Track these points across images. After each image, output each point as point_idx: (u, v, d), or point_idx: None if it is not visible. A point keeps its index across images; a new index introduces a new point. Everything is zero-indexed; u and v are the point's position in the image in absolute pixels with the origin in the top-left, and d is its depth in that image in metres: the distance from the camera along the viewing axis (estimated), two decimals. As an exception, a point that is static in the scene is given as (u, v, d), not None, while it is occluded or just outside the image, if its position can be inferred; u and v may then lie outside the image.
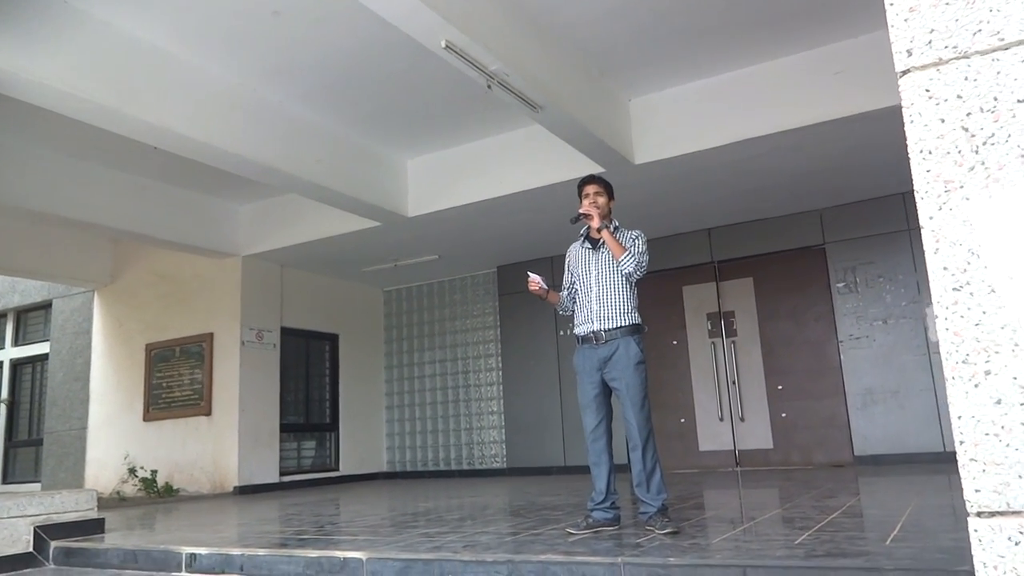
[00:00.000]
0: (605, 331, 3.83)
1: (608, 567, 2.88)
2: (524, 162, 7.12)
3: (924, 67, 1.20)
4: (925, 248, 1.20)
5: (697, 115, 6.38)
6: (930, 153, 1.19)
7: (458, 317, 10.48)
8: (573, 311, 4.09)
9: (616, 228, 3.99)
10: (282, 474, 9.15)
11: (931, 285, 1.20)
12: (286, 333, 9.52)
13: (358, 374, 10.55)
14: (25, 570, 4.26)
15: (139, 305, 9.84)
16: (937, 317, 1.18)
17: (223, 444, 8.71)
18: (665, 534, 3.46)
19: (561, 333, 9.46)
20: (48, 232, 9.06)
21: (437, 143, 7.48)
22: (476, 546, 3.44)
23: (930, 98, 1.20)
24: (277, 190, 8.06)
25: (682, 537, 3.39)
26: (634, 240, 3.94)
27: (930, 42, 1.20)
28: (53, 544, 4.43)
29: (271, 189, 8.06)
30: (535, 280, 4.00)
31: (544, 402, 9.51)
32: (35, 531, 4.43)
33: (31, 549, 4.39)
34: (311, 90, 6.27)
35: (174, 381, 9.23)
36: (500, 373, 9.97)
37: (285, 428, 9.35)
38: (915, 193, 1.21)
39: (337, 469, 10.05)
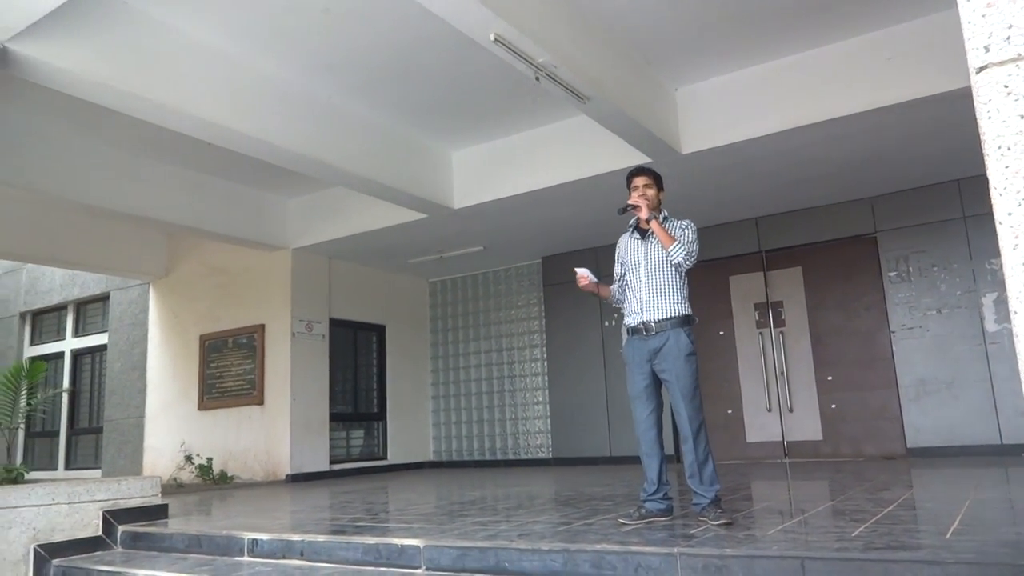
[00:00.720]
0: (655, 322, 3.84)
1: (664, 557, 2.91)
2: (570, 153, 7.12)
3: (1003, 63, 1.20)
4: (1002, 244, 1.20)
5: (745, 103, 6.31)
6: (1008, 149, 1.19)
7: (503, 308, 10.54)
8: (623, 302, 4.10)
9: (665, 218, 3.99)
10: (332, 462, 9.34)
11: (1008, 280, 1.20)
12: (334, 324, 9.69)
13: (405, 364, 10.70)
14: (95, 552, 4.44)
15: (193, 297, 10.11)
16: (1015, 313, 1.18)
17: (275, 433, 8.92)
18: (719, 525, 3.46)
19: (606, 323, 9.46)
20: (105, 227, 9.36)
21: (483, 135, 7.53)
22: (531, 535, 3.49)
23: (1008, 94, 1.19)
24: (325, 183, 8.20)
25: (736, 528, 3.40)
26: (683, 230, 3.93)
27: (1008, 38, 1.20)
28: (121, 528, 4.60)
29: (319, 182, 8.20)
30: (583, 275, 4.01)
31: (589, 392, 9.53)
32: (104, 516, 4.61)
33: (100, 533, 4.57)
34: (359, 84, 6.35)
35: (227, 371, 9.47)
36: (545, 363, 10.02)
37: (334, 417, 9.53)
38: (991, 189, 1.21)
39: (385, 458, 10.21)
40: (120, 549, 4.54)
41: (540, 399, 10.02)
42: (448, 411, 10.83)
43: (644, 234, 3.99)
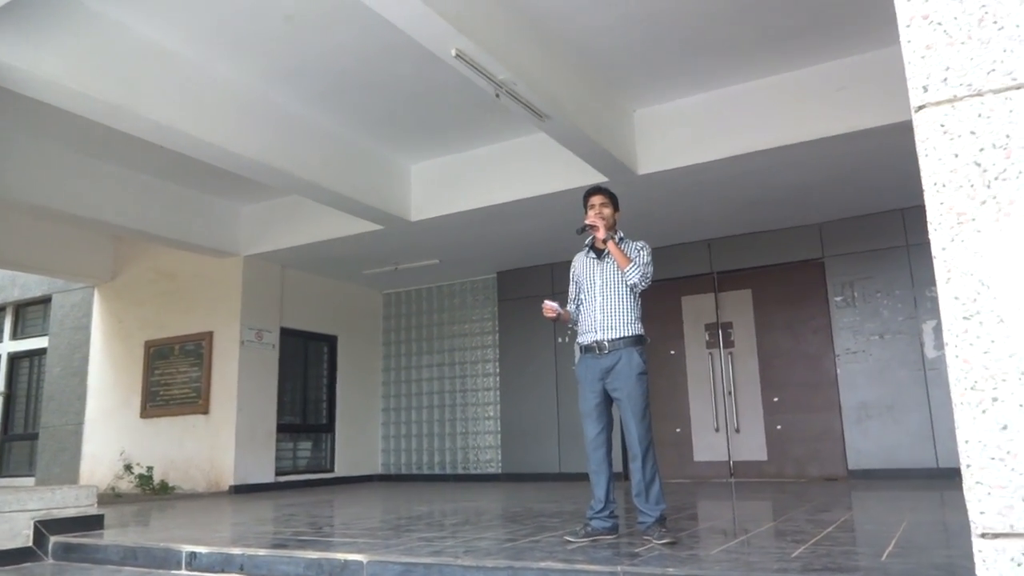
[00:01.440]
0: (608, 341, 3.87)
1: (608, 576, 2.92)
2: (527, 169, 7.17)
3: (939, 103, 1.25)
4: (936, 277, 1.24)
5: (701, 127, 6.43)
6: (944, 186, 1.23)
7: (457, 321, 10.52)
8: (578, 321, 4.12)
9: (621, 239, 4.03)
10: (278, 474, 9.17)
11: (942, 313, 1.24)
12: (285, 333, 9.55)
13: (356, 376, 10.58)
14: (24, 564, 4.27)
15: (139, 302, 9.86)
16: (947, 344, 1.22)
17: (220, 443, 8.73)
18: (663, 544, 3.49)
19: (559, 340, 9.50)
20: (50, 227, 9.07)
21: (441, 148, 7.53)
22: (476, 551, 3.47)
23: (944, 133, 1.24)
24: (280, 191, 8.10)
25: (680, 548, 3.43)
26: (639, 251, 3.98)
27: (946, 79, 1.25)
28: (52, 539, 4.44)
29: (274, 190, 8.10)
30: (551, 307, 4.01)
31: (541, 408, 9.54)
32: (35, 526, 4.44)
33: (31, 544, 4.41)
34: (319, 93, 6.31)
35: (172, 379, 9.25)
36: (497, 378, 10.01)
37: (282, 428, 9.37)
38: (928, 224, 1.25)
39: (332, 470, 10.06)
40: (51, 561, 4.38)
41: (491, 414, 10.00)
42: (398, 424, 10.74)
43: (600, 254, 4.03)
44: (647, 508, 3.71)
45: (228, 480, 8.54)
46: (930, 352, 7.59)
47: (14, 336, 11.49)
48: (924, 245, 7.57)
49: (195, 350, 9.15)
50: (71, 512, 4.69)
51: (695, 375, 8.82)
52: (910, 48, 1.28)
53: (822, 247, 8.33)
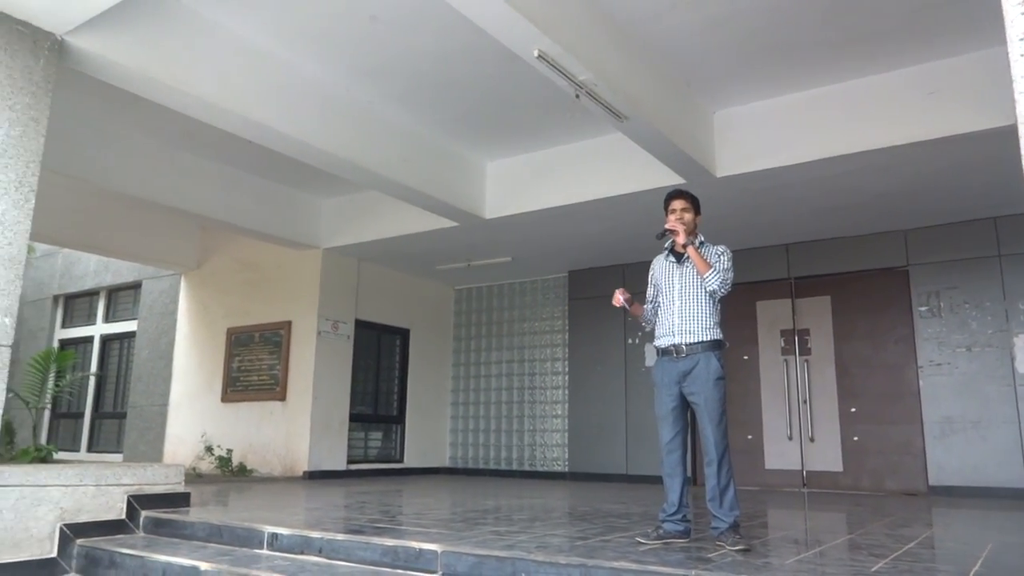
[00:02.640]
0: (686, 345, 3.85)
1: (681, 579, 2.91)
2: (603, 170, 7.16)
3: (1053, 116, 1.22)
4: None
5: (782, 130, 6.31)
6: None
7: (527, 319, 10.58)
8: (654, 323, 4.12)
9: (702, 243, 4.00)
10: (349, 462, 9.41)
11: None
12: (360, 325, 9.78)
13: (426, 369, 10.76)
14: (118, 536, 4.52)
15: (223, 290, 10.25)
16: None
17: (295, 429, 9.01)
18: (736, 551, 3.46)
19: (629, 341, 9.46)
20: (141, 216, 9.53)
21: (518, 147, 7.59)
22: (548, 548, 3.51)
23: (1058, 147, 1.21)
24: (358, 186, 8.30)
25: (753, 555, 3.39)
26: (719, 256, 3.94)
27: (1060, 92, 1.22)
28: (144, 513, 4.68)
29: (353, 185, 8.31)
30: (620, 297, 4.02)
31: (609, 409, 9.52)
32: (128, 500, 4.69)
33: (124, 517, 4.65)
34: (401, 92, 6.44)
35: (252, 365, 9.59)
36: (566, 377, 10.03)
37: (354, 418, 9.61)
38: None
39: (401, 461, 10.27)
40: (142, 534, 4.62)
41: (559, 412, 10.03)
42: (467, 418, 10.88)
43: (679, 258, 4.00)
44: (721, 514, 3.68)
45: (302, 466, 8.81)
46: (1021, 367, 7.26)
47: (107, 319, 12.09)
48: (1018, 256, 7.27)
49: (274, 338, 9.46)
50: (160, 489, 4.93)
51: (769, 382, 8.66)
52: (1022, 63, 1.26)
53: (907, 255, 8.06)
